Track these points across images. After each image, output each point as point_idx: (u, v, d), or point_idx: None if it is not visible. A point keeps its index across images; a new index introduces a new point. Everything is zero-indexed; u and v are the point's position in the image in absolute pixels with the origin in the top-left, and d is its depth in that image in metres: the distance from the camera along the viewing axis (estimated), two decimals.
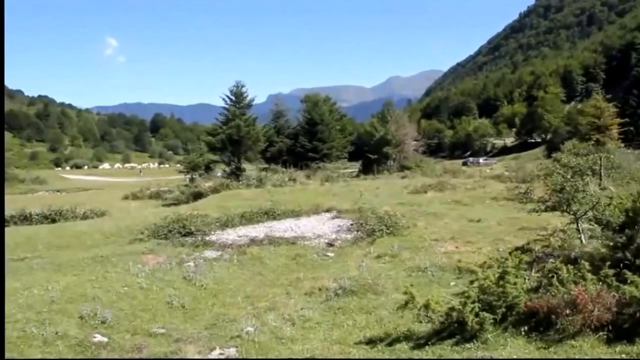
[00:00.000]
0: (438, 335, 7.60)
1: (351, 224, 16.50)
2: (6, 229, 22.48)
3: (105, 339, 8.27)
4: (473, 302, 7.53)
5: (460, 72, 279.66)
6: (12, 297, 9.91)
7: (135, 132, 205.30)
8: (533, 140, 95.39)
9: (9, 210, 26.78)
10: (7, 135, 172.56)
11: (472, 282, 8.36)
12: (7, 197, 65.40)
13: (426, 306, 8.16)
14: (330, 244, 14.54)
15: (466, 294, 7.88)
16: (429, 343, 7.44)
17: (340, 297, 9.95)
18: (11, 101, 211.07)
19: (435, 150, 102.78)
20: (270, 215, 18.50)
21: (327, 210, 19.10)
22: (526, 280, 8.42)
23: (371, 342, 7.83)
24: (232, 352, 7.89)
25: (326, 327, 8.66)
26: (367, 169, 54.57)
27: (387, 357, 7.31)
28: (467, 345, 7.21)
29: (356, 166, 64.10)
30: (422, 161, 54.87)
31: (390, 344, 7.65)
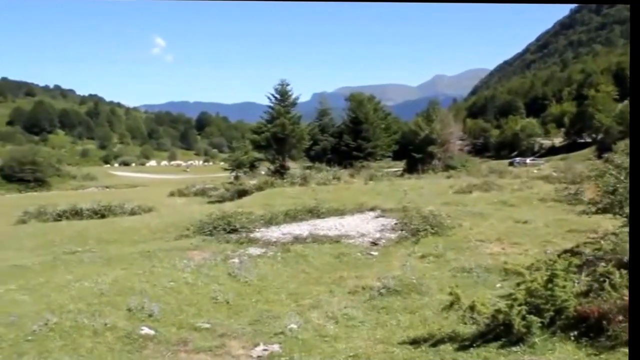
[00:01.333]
0: (483, 338, 7.48)
1: (395, 223, 16.40)
2: (59, 224, 23.26)
3: (152, 332, 8.45)
4: (520, 305, 7.38)
5: (507, 70, 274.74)
6: (65, 288, 10.27)
7: (182, 130, 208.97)
8: (583, 141, 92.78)
9: (62, 206, 27.66)
10: (60, 133, 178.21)
11: (518, 284, 8.17)
12: (60, 193, 67.73)
13: (471, 307, 8.04)
14: (374, 243, 14.50)
15: (513, 296, 7.73)
16: (474, 345, 7.33)
17: (384, 297, 9.90)
18: (64, 100, 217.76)
19: (481, 150, 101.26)
20: (314, 213, 18.56)
21: (371, 209, 19.04)
22: (576, 284, 8.19)
23: (415, 342, 7.77)
24: (275, 348, 7.95)
25: (369, 326, 8.63)
26: (411, 168, 54.22)
27: (431, 357, 7.25)
28: (514, 348, 7.07)
29: (400, 165, 63.73)
30: (468, 161, 54.20)
31: (434, 345, 7.57)
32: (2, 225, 25.42)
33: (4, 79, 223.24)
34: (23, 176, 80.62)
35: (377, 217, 17.89)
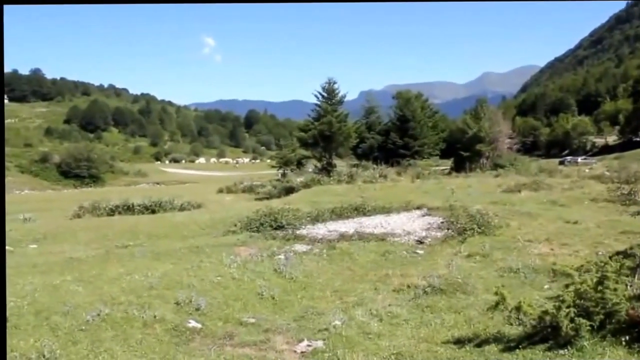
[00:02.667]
0: (529, 339, 7.36)
1: (442, 222, 16.26)
2: (112, 218, 23.98)
3: (199, 325, 8.64)
4: (568, 307, 7.22)
5: (558, 67, 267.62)
6: (117, 281, 10.60)
7: (230, 127, 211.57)
8: (638, 139, 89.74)
9: (114, 201, 28.48)
10: (114, 131, 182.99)
11: (567, 286, 7.99)
12: (113, 189, 69.75)
13: (518, 308, 7.92)
14: (420, 242, 14.41)
15: (561, 298, 7.57)
16: (520, 346, 7.21)
17: (428, 295, 9.84)
18: (117, 99, 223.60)
19: (530, 148, 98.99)
20: (360, 211, 18.57)
21: (418, 208, 18.93)
22: (628, 287, 7.97)
23: (459, 342, 7.70)
24: (319, 344, 8.00)
25: (414, 325, 8.60)
26: (459, 167, 53.62)
27: (476, 358, 7.18)
28: (561, 351, 6.92)
29: (448, 164, 63.05)
30: (517, 159, 53.11)
31: (479, 345, 7.49)
32: (59, 219, 26.35)
33: (62, 79, 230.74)
34: (79, 172, 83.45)
35: (423, 215, 17.77)
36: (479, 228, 14.94)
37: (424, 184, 28.08)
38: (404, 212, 18.59)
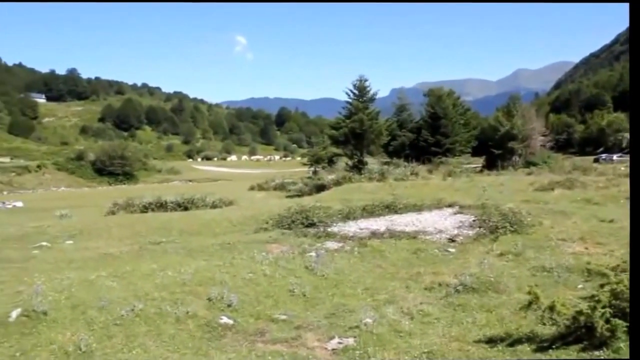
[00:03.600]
0: (563, 340, 7.24)
1: (473, 220, 16.10)
2: (145, 215, 24.33)
3: (231, 321, 8.73)
4: (604, 307, 7.08)
5: (593, 63, 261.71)
6: (150, 277, 10.77)
7: (262, 125, 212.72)
8: None
9: (147, 198, 28.89)
10: (147, 129, 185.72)
11: (602, 285, 7.84)
12: (146, 186, 70.62)
13: (551, 308, 7.80)
14: (451, 240, 14.29)
15: (596, 298, 7.42)
16: (553, 347, 7.10)
17: (460, 294, 9.76)
18: (151, 98, 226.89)
19: (564, 145, 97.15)
20: (391, 208, 18.50)
21: (449, 206, 18.79)
22: None
23: (491, 341, 7.63)
24: (350, 341, 8.01)
25: (445, 323, 8.54)
26: (491, 164, 53.02)
27: (508, 357, 7.10)
28: (596, 352, 6.79)
29: (479, 161, 62.39)
30: (550, 157, 52.24)
31: (511, 345, 7.41)
32: (94, 216, 26.87)
33: (97, 79, 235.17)
34: (113, 169, 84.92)
35: (455, 213, 17.62)
36: (512, 226, 14.75)
37: (455, 182, 27.79)
38: (436, 210, 18.47)
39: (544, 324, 7.89)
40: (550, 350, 7.02)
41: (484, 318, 8.59)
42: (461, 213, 17.48)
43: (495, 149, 56.84)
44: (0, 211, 39.14)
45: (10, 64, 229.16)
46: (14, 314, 8.19)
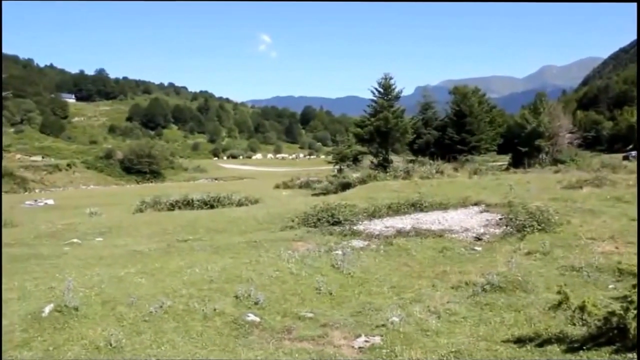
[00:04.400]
0: (594, 341, 7.11)
1: (500, 219, 15.96)
2: (172, 213, 24.57)
3: (257, 319, 8.79)
4: (636, 308, 6.96)
5: (622, 58, 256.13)
6: (178, 274, 10.90)
7: (287, 124, 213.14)
8: None
9: (174, 196, 29.19)
10: (173, 128, 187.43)
11: (634, 286, 7.71)
12: (173, 184, 71.32)
13: (581, 308, 7.68)
14: (478, 238, 14.19)
15: (629, 299, 7.27)
16: (584, 348, 6.98)
17: (487, 293, 9.67)
18: (177, 97, 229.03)
19: (592, 143, 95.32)
20: (417, 207, 18.42)
21: (475, 204, 18.63)
22: None
23: (520, 341, 7.55)
24: (376, 340, 8.00)
25: (472, 323, 8.48)
26: (517, 162, 52.43)
27: (537, 358, 7.02)
28: (629, 354, 6.64)
29: (506, 159, 61.72)
30: (578, 155, 51.38)
31: (540, 345, 7.32)
32: (123, 214, 27.23)
33: (124, 79, 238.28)
34: (140, 168, 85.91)
35: (481, 212, 17.48)
36: (539, 225, 14.57)
37: (481, 180, 27.51)
38: (462, 208, 18.34)
39: (574, 325, 7.79)
40: (581, 352, 6.91)
41: (512, 318, 8.51)
42: (487, 211, 17.34)
43: (521, 146, 56.17)
44: (33, 209, 39.88)
45: (41, 65, 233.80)
46: (47, 309, 8.36)
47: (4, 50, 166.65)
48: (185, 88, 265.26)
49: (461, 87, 69.31)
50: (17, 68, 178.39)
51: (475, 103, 66.53)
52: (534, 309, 8.71)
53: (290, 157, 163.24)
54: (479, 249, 13.31)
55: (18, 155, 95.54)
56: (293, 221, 17.51)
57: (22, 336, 7.65)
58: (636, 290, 7.37)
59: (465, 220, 16.27)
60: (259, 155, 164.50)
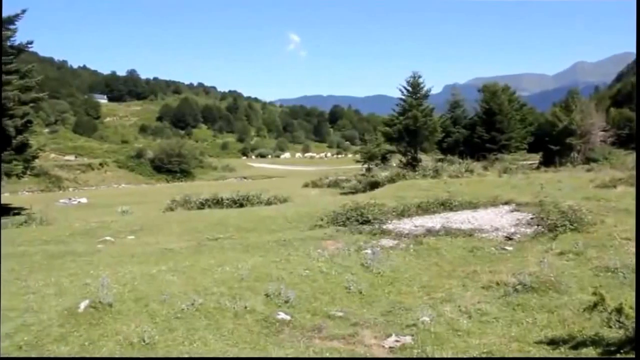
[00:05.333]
0: (632, 344, 6.93)
1: (531, 218, 15.75)
2: (202, 211, 24.78)
3: (288, 317, 8.83)
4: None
5: None
6: (209, 272, 11.00)
7: (315, 123, 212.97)
8: None
9: (204, 195, 29.45)
10: (203, 127, 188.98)
11: None
12: (202, 183, 71.97)
13: (618, 310, 7.52)
14: (508, 238, 14.03)
15: None
16: (621, 351, 6.82)
17: (519, 293, 9.56)
18: (206, 97, 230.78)
19: (626, 141, 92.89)
20: (446, 206, 18.29)
21: (506, 203, 18.41)
22: None
23: (553, 342, 7.44)
24: (407, 340, 7.98)
25: (504, 323, 8.40)
26: (548, 161, 51.59)
27: None
28: None
29: (536, 158, 60.81)
30: (611, 153, 50.33)
31: (574, 347, 7.20)
32: (154, 212, 27.57)
33: (155, 79, 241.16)
34: (170, 167, 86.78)
35: (511, 211, 17.27)
36: (571, 225, 14.32)
37: (511, 179, 27.14)
38: (492, 207, 18.15)
39: (610, 327, 7.64)
40: (618, 355, 6.78)
41: (545, 319, 8.40)
42: (518, 211, 17.13)
43: (552, 145, 55.31)
44: (67, 207, 40.63)
45: (75, 66, 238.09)
46: (83, 305, 8.52)
47: (40, 53, 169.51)
48: (214, 88, 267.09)
49: (491, 85, 68.52)
50: (52, 70, 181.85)
51: (505, 101, 65.73)
52: (568, 310, 8.58)
53: (319, 156, 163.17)
54: (510, 248, 13.17)
55: (52, 155, 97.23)
56: (322, 220, 17.51)
57: (59, 331, 7.81)
58: None
59: (496, 220, 16.10)
60: (287, 155, 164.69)
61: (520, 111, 71.66)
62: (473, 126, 65.14)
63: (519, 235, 14.16)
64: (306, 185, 50.51)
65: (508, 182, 24.65)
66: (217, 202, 27.71)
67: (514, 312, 8.82)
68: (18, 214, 31.20)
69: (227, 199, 27.85)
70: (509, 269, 11.25)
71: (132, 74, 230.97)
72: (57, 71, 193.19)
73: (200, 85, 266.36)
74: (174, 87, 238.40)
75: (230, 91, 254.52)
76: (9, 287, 10.09)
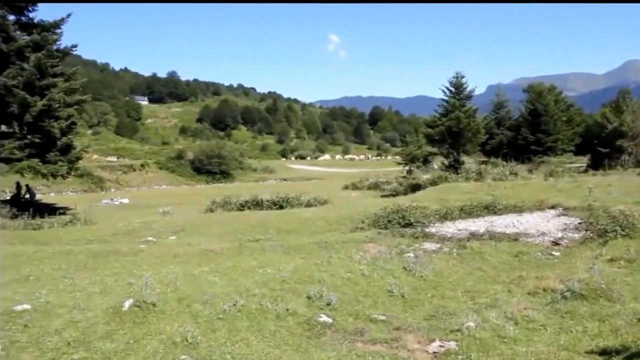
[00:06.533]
0: None
1: (579, 223, 15.30)
2: (242, 213, 24.93)
3: (330, 320, 8.76)
4: None
5: None
6: (250, 273, 11.00)
7: (355, 124, 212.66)
8: None
9: (244, 196, 29.62)
10: (242, 129, 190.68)
11: None
12: (242, 184, 72.53)
13: None
14: (555, 243, 13.66)
15: None
16: None
17: (567, 300, 9.26)
18: (246, 98, 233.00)
19: None
20: (490, 209, 17.94)
21: (552, 207, 17.95)
22: None
23: (605, 352, 7.16)
24: (452, 345, 7.83)
25: (552, 331, 8.14)
26: (596, 164, 50.25)
27: None
28: None
29: (584, 160, 59.35)
30: None
31: (628, 358, 6.91)
32: (194, 213, 27.86)
33: (195, 81, 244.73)
34: (210, 168, 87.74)
35: (558, 215, 16.83)
36: (623, 230, 13.85)
37: (558, 182, 26.43)
38: (538, 211, 17.73)
39: None
40: None
41: (596, 327, 8.11)
42: (565, 215, 16.68)
43: (601, 147, 53.95)
44: (109, 207, 41.46)
45: (117, 69, 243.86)
46: (127, 303, 8.62)
47: (83, 56, 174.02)
48: (254, 89, 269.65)
49: (536, 85, 67.19)
50: (95, 72, 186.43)
51: (551, 102, 64.39)
52: (620, 320, 8.28)
53: (359, 157, 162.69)
54: (557, 254, 12.82)
55: (95, 156, 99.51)
56: (363, 222, 17.39)
57: (105, 328, 7.92)
58: None
59: (542, 224, 15.72)
60: (327, 156, 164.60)
61: (567, 112, 70.13)
62: (517, 128, 64.02)
63: (566, 241, 13.78)
64: (346, 187, 50.38)
65: (554, 186, 24.02)
66: (257, 204, 27.78)
67: (563, 320, 8.55)
68: (63, 213, 31.98)
69: (267, 201, 27.91)
70: (557, 275, 10.94)
71: (172, 76, 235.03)
72: (100, 73, 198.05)
73: (240, 86, 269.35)
74: (214, 89, 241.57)
75: (269, 92, 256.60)
76: (57, 284, 10.29)
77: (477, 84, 55.42)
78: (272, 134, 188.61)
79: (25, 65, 31.85)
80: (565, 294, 9.52)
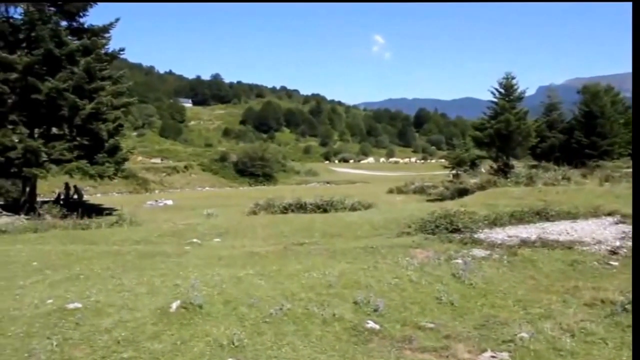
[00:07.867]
0: None
1: None
2: (286, 216, 24.91)
3: (377, 326, 8.55)
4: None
5: None
6: (296, 277, 10.88)
7: (400, 127, 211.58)
8: None
9: (287, 199, 29.61)
10: (285, 131, 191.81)
11: None
12: (286, 187, 72.86)
13: None
14: (613, 252, 13.08)
15: None
16: None
17: (629, 313, 8.78)
18: (289, 100, 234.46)
19: None
20: (542, 215, 17.37)
21: (609, 214, 17.26)
22: None
23: None
24: (504, 356, 7.53)
25: (613, 345, 7.74)
26: None
27: None
28: None
29: None
30: None
31: None
32: (238, 215, 28.01)
33: (238, 83, 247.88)
34: (253, 170, 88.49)
35: (616, 223, 16.15)
36: None
37: (614, 188, 25.42)
38: (593, 218, 17.08)
39: None
40: None
41: None
42: (623, 223, 15.98)
43: None
44: (154, 209, 42.15)
45: (161, 71, 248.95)
46: (174, 305, 8.63)
47: (130, 59, 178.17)
48: (297, 91, 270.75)
49: (591, 86, 64.90)
50: (140, 75, 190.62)
51: (608, 103, 62.14)
52: None
53: (403, 161, 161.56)
54: (615, 263, 12.27)
55: (140, 158, 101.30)
56: (410, 227, 17.07)
57: (153, 329, 7.94)
58: None
59: (598, 232, 15.11)
60: (371, 159, 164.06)
61: (626, 114, 67.54)
62: (571, 130, 62.08)
63: (625, 250, 13.17)
64: (391, 191, 50.00)
65: (610, 192, 23.13)
66: (301, 207, 27.72)
67: (624, 334, 8.12)
68: (110, 214, 32.71)
69: (311, 204, 27.81)
70: (615, 286, 10.46)
71: (216, 78, 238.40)
72: (145, 76, 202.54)
73: (283, 88, 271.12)
74: (257, 91, 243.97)
75: (313, 94, 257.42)
76: (106, 283, 10.42)
77: (528, 85, 53.88)
78: (316, 136, 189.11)
79: (76, 69, 32.73)
80: (626, 306, 9.02)
